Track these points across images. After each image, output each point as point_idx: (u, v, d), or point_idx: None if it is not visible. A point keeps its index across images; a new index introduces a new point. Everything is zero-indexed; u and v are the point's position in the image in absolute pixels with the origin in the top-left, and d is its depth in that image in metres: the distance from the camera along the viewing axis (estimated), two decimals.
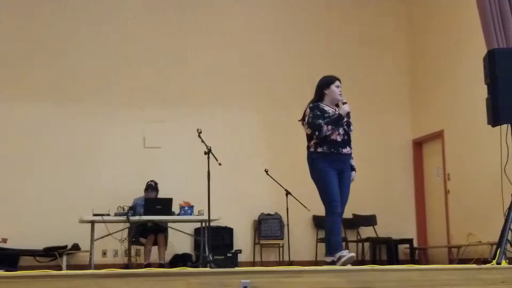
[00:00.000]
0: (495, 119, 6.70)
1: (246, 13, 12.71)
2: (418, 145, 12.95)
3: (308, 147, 6.90)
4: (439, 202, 12.11)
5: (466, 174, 11.27)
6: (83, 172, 11.53)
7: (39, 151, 11.48)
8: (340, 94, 6.99)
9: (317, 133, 6.72)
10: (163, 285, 4.54)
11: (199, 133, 9.07)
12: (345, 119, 6.86)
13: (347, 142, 6.87)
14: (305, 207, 10.75)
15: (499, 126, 6.84)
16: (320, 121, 6.73)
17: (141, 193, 10.81)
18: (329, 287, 4.75)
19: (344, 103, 6.89)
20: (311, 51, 12.75)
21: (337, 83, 7.01)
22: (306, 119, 6.86)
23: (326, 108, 6.89)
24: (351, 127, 6.96)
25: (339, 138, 6.79)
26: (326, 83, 7.02)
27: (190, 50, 12.32)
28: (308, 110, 6.89)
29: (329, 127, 6.71)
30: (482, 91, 7.12)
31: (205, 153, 9.03)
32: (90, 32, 12.01)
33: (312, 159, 6.83)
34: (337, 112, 6.86)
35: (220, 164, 9.02)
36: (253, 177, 11.75)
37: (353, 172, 7.00)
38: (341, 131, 6.80)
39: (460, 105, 11.43)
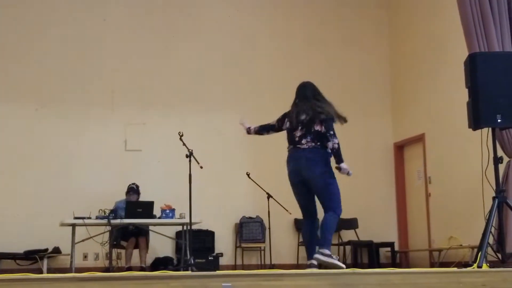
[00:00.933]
0: (476, 122, 6.74)
1: (228, 15, 12.70)
2: (399, 148, 13.00)
3: (326, 147, 6.75)
4: (420, 206, 12.15)
5: (447, 177, 11.31)
6: (64, 174, 11.47)
7: (19, 154, 11.39)
8: None
9: (337, 145, 6.74)
10: None
11: (181, 136, 9.05)
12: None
13: None
14: (287, 210, 10.74)
15: (480, 130, 6.89)
16: None
17: (123, 196, 10.77)
18: None
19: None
20: (293, 54, 12.77)
21: None
22: (330, 123, 6.81)
23: None
24: None
25: None
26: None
27: (173, 52, 12.30)
28: (335, 117, 6.90)
29: None
30: (463, 95, 7.15)
31: (187, 156, 9.01)
32: (71, 33, 11.95)
33: (329, 161, 6.77)
34: None
35: (201, 167, 9.02)
36: (234, 180, 11.75)
37: None
38: None
39: (441, 109, 11.48)
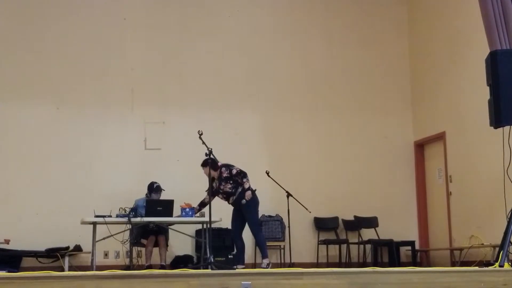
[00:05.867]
0: (497, 120, 6.68)
1: (246, 14, 12.71)
2: (420, 147, 12.93)
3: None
4: (441, 204, 12.08)
5: (468, 176, 11.24)
6: (84, 173, 11.53)
7: (41, 153, 11.47)
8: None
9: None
10: (163, 286, 4.53)
11: (200, 134, 9.03)
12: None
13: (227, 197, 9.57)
14: (306, 209, 10.75)
15: (501, 128, 6.83)
16: None
17: (142, 195, 10.78)
18: None
19: None
20: (312, 53, 12.75)
21: None
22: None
23: None
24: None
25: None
26: None
27: (191, 50, 12.31)
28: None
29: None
30: (484, 93, 7.11)
31: (206, 154, 9.00)
32: (91, 32, 12.01)
33: None
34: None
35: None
36: (254, 178, 11.66)
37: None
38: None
39: (462, 107, 11.40)
